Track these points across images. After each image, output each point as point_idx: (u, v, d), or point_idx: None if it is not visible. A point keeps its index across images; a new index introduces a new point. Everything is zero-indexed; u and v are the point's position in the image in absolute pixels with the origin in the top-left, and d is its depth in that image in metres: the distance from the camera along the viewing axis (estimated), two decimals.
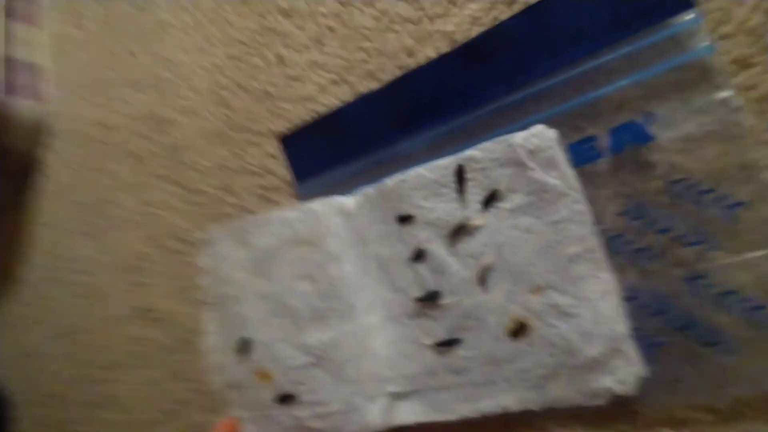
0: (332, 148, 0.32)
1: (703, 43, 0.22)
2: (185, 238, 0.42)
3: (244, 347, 0.32)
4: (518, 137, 0.25)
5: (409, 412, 0.28)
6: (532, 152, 0.24)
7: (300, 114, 0.35)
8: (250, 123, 0.38)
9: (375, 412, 0.27)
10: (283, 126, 0.36)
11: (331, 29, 0.34)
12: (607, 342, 0.23)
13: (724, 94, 0.21)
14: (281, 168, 0.36)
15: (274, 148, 0.36)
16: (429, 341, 0.27)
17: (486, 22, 0.28)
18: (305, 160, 0.33)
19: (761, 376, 0.20)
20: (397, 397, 0.28)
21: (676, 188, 0.22)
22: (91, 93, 0.50)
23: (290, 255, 0.31)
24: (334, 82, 0.33)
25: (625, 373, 0.22)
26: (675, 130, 0.22)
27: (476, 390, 0.26)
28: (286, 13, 0.36)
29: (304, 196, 0.34)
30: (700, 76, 0.22)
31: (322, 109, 0.34)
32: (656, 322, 0.23)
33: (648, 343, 0.23)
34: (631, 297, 0.23)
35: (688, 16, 0.22)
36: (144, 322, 0.43)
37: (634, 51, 0.23)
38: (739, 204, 0.21)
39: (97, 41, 0.50)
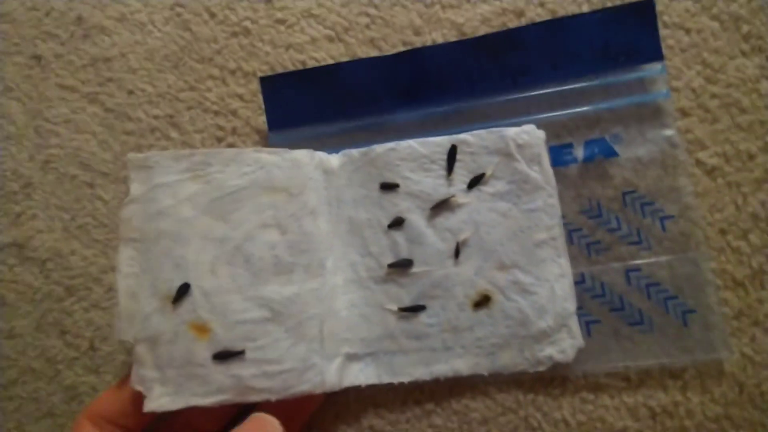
0: (318, 103, 0.31)
1: (663, 89, 0.28)
2: (91, 165, 0.35)
3: (178, 295, 0.29)
4: (511, 131, 0.28)
5: (363, 374, 0.28)
6: (521, 146, 0.28)
7: (282, 61, 0.33)
8: (217, 56, 0.35)
9: (332, 372, 0.27)
10: (258, 68, 0.34)
11: None
12: (557, 317, 0.27)
13: (669, 132, 0.28)
14: (249, 112, 0.34)
15: (243, 88, 0.34)
16: (393, 307, 0.28)
17: (495, 25, 0.31)
18: (284, 107, 0.32)
19: (665, 353, 0.26)
20: (352, 358, 0.28)
21: (626, 198, 0.28)
22: None
23: (259, 200, 0.29)
24: (329, 39, 0.33)
25: (567, 345, 0.27)
26: (632, 152, 0.28)
27: (432, 355, 0.28)
28: None
29: (275, 145, 0.32)
30: (655, 114, 0.28)
31: (310, 63, 0.33)
32: (595, 303, 0.27)
33: (586, 320, 0.27)
34: (579, 281, 0.28)
35: (657, 66, 0.28)
36: (18, 261, 0.35)
37: (613, 82, 0.28)
38: (668, 217, 0.27)
39: None
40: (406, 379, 0.28)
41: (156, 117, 0.35)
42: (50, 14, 0.38)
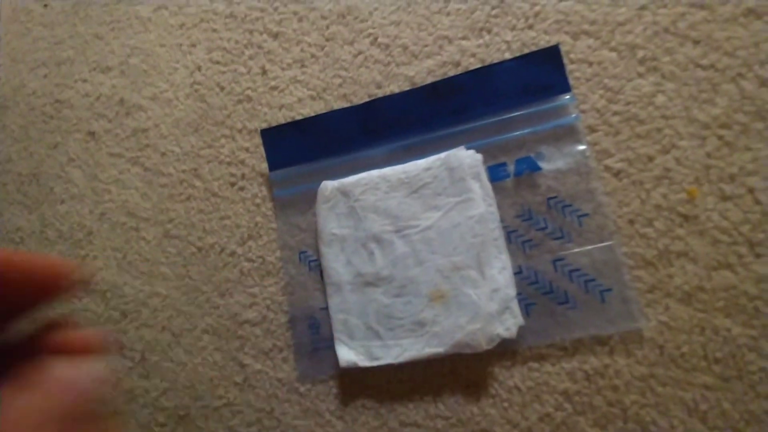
0: (306, 146, 0.40)
1: (573, 113, 0.35)
2: (136, 213, 0.45)
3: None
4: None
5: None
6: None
7: (277, 118, 0.42)
8: (227, 119, 0.44)
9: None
10: (259, 126, 0.43)
11: (314, 56, 0.42)
12: (501, 302, 0.33)
13: (581, 146, 0.34)
14: (253, 160, 0.42)
15: (248, 143, 0.43)
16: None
17: (438, 75, 0.39)
18: (280, 152, 0.40)
19: (590, 325, 0.32)
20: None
21: (550, 202, 0.35)
22: (47, 68, 0.51)
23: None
24: (312, 97, 0.42)
25: (511, 323, 0.33)
26: (552, 165, 0.35)
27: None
28: (274, 35, 0.44)
29: (276, 182, 0.40)
30: (569, 133, 0.35)
31: (298, 117, 0.42)
32: (531, 289, 0.34)
33: (525, 303, 0.34)
34: (517, 272, 0.34)
35: (567, 96, 0.35)
36: (84, 293, 0.44)
37: (534, 112, 0.35)
38: (584, 215, 0.34)
39: (61, 21, 0.52)
40: (382, 363, 0.35)
41: (183, 171, 0.44)
42: (99, 99, 0.48)
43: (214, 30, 0.45)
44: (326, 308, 0.37)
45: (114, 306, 0.43)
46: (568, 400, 0.32)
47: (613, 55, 0.36)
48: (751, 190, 0.32)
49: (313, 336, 0.37)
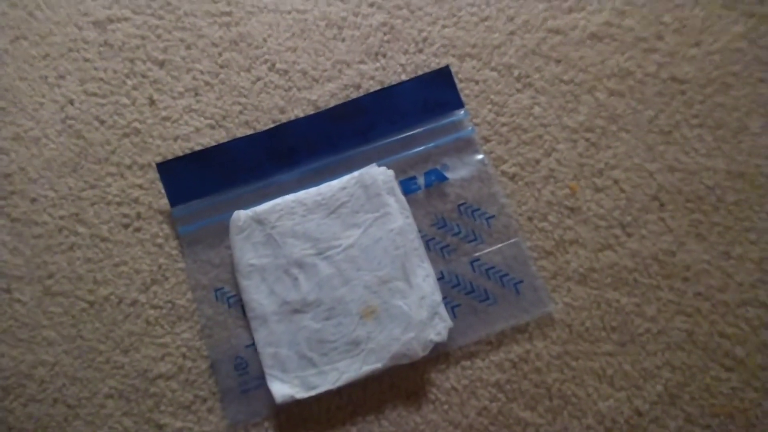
0: (210, 177, 0.38)
1: (468, 127, 0.38)
2: (6, 273, 0.38)
3: None
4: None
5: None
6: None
7: (173, 150, 0.40)
8: (111, 155, 0.40)
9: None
10: (152, 160, 0.39)
11: (208, 84, 0.41)
12: (430, 308, 0.35)
13: (479, 156, 0.38)
14: (149, 197, 0.39)
15: (141, 179, 0.39)
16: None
17: (341, 97, 0.40)
18: (181, 185, 0.38)
19: (510, 316, 0.35)
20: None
21: (460, 208, 0.37)
22: None
23: None
24: (211, 126, 0.40)
25: (441, 327, 0.34)
26: (457, 175, 0.38)
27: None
28: (160, 63, 0.41)
29: (179, 218, 0.38)
30: (467, 144, 0.38)
31: (197, 147, 0.39)
32: (454, 291, 0.36)
33: (451, 306, 0.36)
34: (440, 277, 0.36)
35: (461, 111, 0.38)
36: None
37: (435, 127, 0.38)
38: (491, 216, 0.37)
39: None
40: (318, 392, 0.33)
41: (62, 217, 0.39)
42: None
43: (87, 60, 0.41)
44: (252, 345, 0.35)
45: None
46: (501, 390, 0.34)
47: (495, 74, 0.40)
48: (616, 181, 0.38)
49: (240, 377, 0.35)
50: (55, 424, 0.35)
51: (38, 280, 0.38)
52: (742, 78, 0.39)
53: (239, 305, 0.36)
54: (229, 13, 0.42)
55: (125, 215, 0.38)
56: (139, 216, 0.38)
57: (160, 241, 0.38)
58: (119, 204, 0.38)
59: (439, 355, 0.35)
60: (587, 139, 0.38)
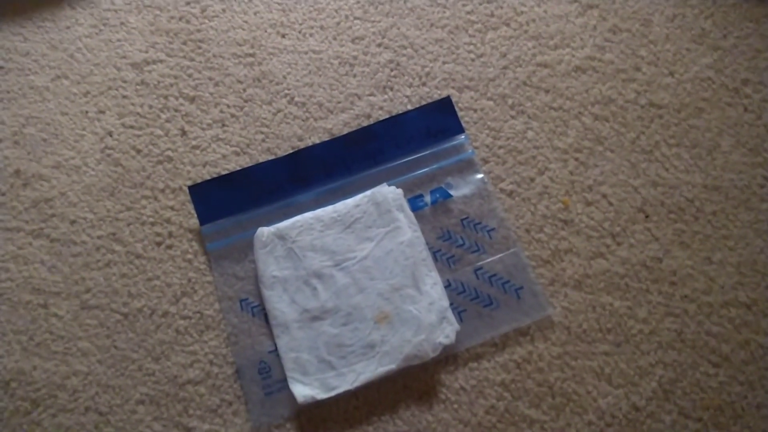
0: (236, 198, 0.42)
1: (469, 150, 0.43)
2: (44, 289, 0.41)
3: None
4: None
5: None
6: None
7: (202, 175, 0.44)
8: (146, 180, 0.44)
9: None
10: (183, 184, 0.43)
11: (234, 116, 0.45)
12: (438, 313, 0.38)
13: (480, 175, 0.42)
14: (180, 217, 0.43)
15: (173, 201, 0.43)
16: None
17: (353, 126, 0.44)
18: (210, 206, 0.42)
19: (512, 320, 0.38)
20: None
21: (464, 222, 0.41)
22: None
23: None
24: (236, 153, 0.44)
25: (449, 331, 0.37)
26: (460, 192, 0.42)
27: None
28: (191, 99, 0.46)
29: (208, 235, 0.41)
30: (469, 165, 0.42)
31: (224, 172, 0.44)
32: (460, 297, 0.39)
33: (458, 311, 0.39)
34: (447, 285, 0.39)
35: (462, 136, 0.43)
36: None
37: (438, 150, 0.42)
38: (492, 229, 0.41)
39: None
40: (337, 393, 0.36)
41: (99, 237, 0.42)
42: None
43: (125, 96, 0.46)
44: (275, 350, 0.38)
45: (21, 396, 0.38)
46: (506, 389, 0.37)
47: (491, 103, 0.45)
48: (604, 196, 0.42)
49: (264, 381, 0.37)
50: None
51: (75, 295, 0.41)
52: (712, 103, 0.44)
53: (262, 314, 0.39)
54: (252, 54, 0.47)
55: (158, 234, 0.42)
56: (170, 234, 0.42)
57: (189, 257, 0.41)
58: (153, 224, 0.42)
59: (448, 357, 0.38)
60: (576, 159, 0.43)
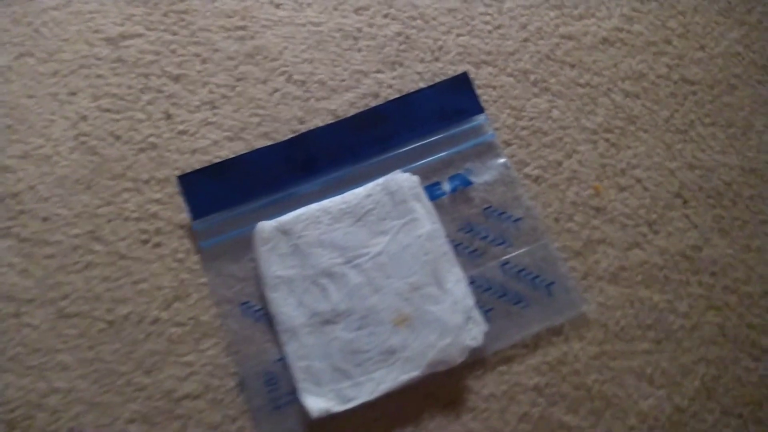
0: (231, 189, 0.37)
1: (489, 131, 0.39)
2: (15, 296, 0.36)
3: None
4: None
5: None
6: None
7: (191, 164, 0.39)
8: (127, 170, 0.39)
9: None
10: (170, 174, 0.39)
11: (225, 96, 0.40)
12: (464, 313, 0.34)
13: (502, 159, 0.38)
14: (168, 212, 0.38)
15: (159, 193, 0.38)
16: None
17: (360, 106, 0.40)
18: (203, 198, 0.37)
19: (544, 318, 0.35)
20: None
21: (486, 212, 0.37)
22: None
23: None
24: (229, 138, 0.39)
25: (476, 332, 0.34)
26: (481, 179, 0.38)
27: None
28: (175, 78, 0.41)
29: (200, 231, 0.37)
30: (489, 149, 0.38)
31: (216, 160, 0.39)
32: (486, 295, 0.35)
33: (484, 310, 0.35)
34: (470, 282, 0.35)
35: (481, 117, 0.39)
36: None
37: (455, 133, 0.38)
38: (518, 219, 0.37)
39: None
40: (359, 402, 0.32)
41: (76, 236, 0.37)
42: None
43: (100, 76, 0.41)
44: (282, 359, 0.34)
45: None
46: (540, 394, 0.34)
47: (511, 79, 0.41)
48: (639, 180, 0.38)
49: (271, 393, 0.33)
50: None
51: (51, 302, 0.36)
52: (743, 80, 0.41)
53: (267, 319, 0.35)
54: (243, 27, 0.42)
55: (144, 231, 0.37)
56: (158, 231, 0.37)
57: (180, 256, 0.37)
58: (137, 220, 0.37)
59: (475, 361, 0.34)
60: (607, 140, 0.39)
